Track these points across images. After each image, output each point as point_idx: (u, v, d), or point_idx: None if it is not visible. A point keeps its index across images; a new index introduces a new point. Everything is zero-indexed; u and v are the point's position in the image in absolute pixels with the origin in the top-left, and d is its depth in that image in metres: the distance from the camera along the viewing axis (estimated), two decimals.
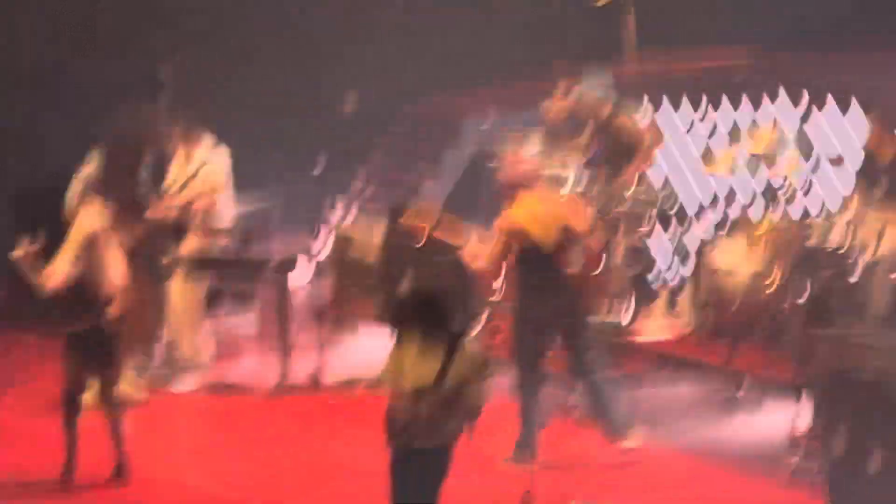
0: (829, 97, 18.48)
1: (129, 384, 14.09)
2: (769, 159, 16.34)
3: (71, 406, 13.34)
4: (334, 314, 16.66)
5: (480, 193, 17.86)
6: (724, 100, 18.83)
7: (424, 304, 10.89)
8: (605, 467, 13.70)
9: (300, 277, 17.47)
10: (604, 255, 15.48)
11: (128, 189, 15.75)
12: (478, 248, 13.65)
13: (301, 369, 16.15)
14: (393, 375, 10.64)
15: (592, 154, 16.81)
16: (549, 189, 14.40)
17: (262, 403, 15.73)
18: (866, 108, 17.54)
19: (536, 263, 13.21)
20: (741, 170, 17.30)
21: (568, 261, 13.49)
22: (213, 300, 16.84)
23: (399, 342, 10.71)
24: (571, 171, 16.37)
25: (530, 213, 13.36)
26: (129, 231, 14.22)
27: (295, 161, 19.17)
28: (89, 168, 14.75)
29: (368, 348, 15.59)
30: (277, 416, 15.42)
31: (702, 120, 18.90)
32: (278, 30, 22.45)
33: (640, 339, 16.23)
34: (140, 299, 13.95)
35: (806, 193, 17.06)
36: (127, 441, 13.63)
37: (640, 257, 17.00)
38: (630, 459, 13.78)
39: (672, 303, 16.95)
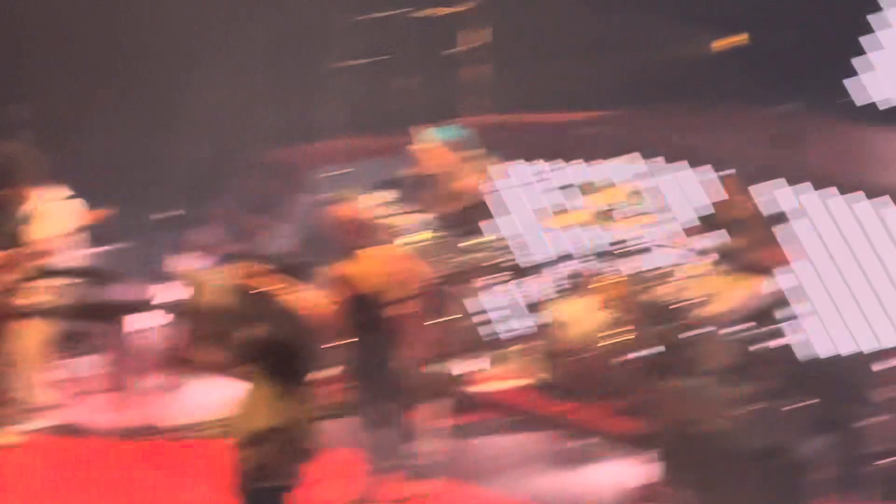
0: (678, 155, 18.60)
1: None
2: (617, 215, 16.56)
3: None
4: (182, 358, 16.52)
5: (325, 241, 16.99)
6: (576, 155, 18.84)
7: (265, 351, 10.93)
8: None
9: (148, 321, 17.10)
10: (440, 307, 15.66)
11: None
12: (316, 296, 13.75)
13: (147, 413, 15.87)
14: (238, 419, 10.75)
15: (440, 206, 16.98)
16: (387, 240, 14.37)
17: (106, 446, 15.40)
18: (716, 167, 17.77)
19: (365, 313, 13.35)
20: (589, 225, 17.11)
21: (397, 311, 13.68)
22: (60, 342, 16.70)
23: (245, 387, 10.75)
24: (416, 222, 16.35)
25: (363, 264, 13.51)
26: None
27: (146, 206, 19.27)
28: None
29: (215, 393, 15.62)
30: (122, 459, 15.15)
31: (551, 174, 18.89)
32: (130, 71, 22.10)
33: (480, 389, 16.08)
34: None
35: (649, 250, 16.81)
36: None
37: (480, 309, 16.92)
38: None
39: (515, 354, 16.82)
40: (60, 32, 22.08)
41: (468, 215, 16.80)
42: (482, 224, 17.12)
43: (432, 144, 17.01)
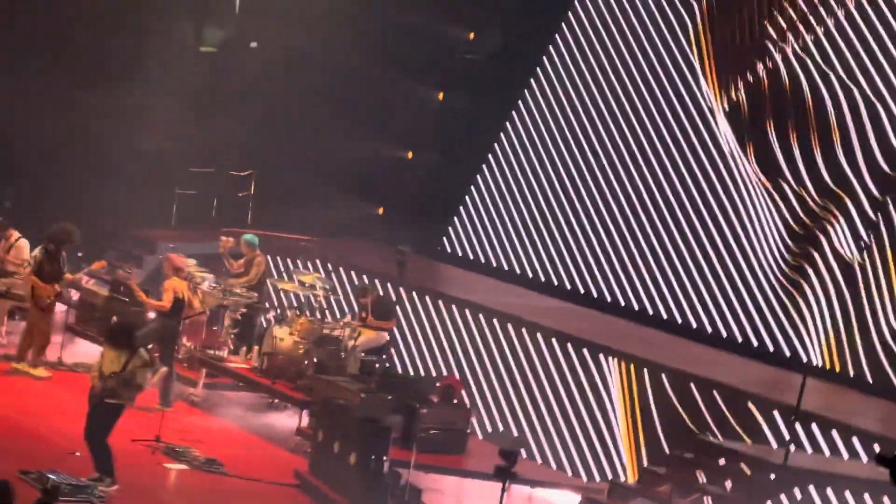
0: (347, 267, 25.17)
1: None
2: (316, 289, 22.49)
3: None
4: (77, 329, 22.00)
5: (160, 274, 22.25)
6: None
7: (118, 329, 17.38)
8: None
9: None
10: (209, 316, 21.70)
11: None
12: (152, 300, 20.59)
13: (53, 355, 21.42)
14: (99, 363, 16.79)
15: (234, 268, 22.92)
16: (188, 277, 21.12)
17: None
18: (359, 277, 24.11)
19: (176, 305, 20.07)
20: (297, 290, 23.15)
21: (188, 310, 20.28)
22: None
23: (105, 348, 17.02)
24: (208, 274, 22.49)
25: (177, 283, 20.34)
26: None
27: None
28: None
29: (93, 349, 20.62)
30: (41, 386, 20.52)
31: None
32: None
33: (231, 365, 21.68)
34: None
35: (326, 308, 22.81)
36: None
37: (245, 324, 22.39)
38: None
39: (251, 348, 21.99)
40: None
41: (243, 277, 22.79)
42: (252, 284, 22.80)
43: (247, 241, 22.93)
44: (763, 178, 24.18)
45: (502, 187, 27.77)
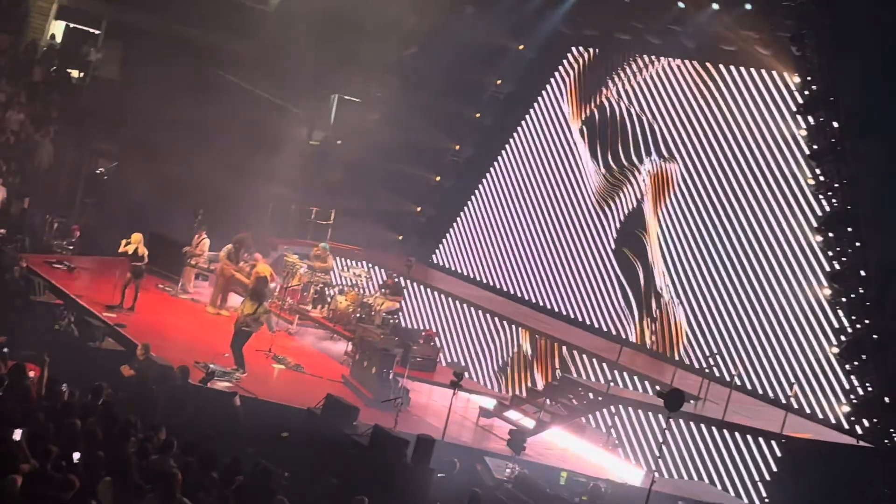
0: (374, 259, 23.85)
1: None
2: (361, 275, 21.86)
3: None
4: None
5: (280, 262, 21.83)
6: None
7: (256, 293, 17.12)
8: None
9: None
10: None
11: None
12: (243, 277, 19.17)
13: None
14: (242, 307, 17.02)
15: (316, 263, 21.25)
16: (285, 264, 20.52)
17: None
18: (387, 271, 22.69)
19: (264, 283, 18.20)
20: (350, 276, 22.49)
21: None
22: None
23: (246, 300, 17.07)
24: (304, 263, 21.04)
25: (264, 269, 19.22)
26: None
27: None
28: None
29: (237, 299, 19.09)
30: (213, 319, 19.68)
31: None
32: None
33: (312, 314, 20.79)
34: None
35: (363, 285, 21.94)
36: None
37: (320, 293, 21.11)
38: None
39: (324, 306, 20.90)
40: None
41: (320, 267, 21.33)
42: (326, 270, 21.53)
43: (322, 246, 21.70)
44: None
45: (468, 230, 27.28)
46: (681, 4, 21.04)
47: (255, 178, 23.45)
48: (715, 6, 20.37)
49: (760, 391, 19.55)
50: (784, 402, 18.02)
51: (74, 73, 24.83)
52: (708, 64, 21.90)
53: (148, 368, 14.55)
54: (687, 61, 22.38)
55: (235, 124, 23.72)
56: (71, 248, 21.38)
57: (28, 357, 13.05)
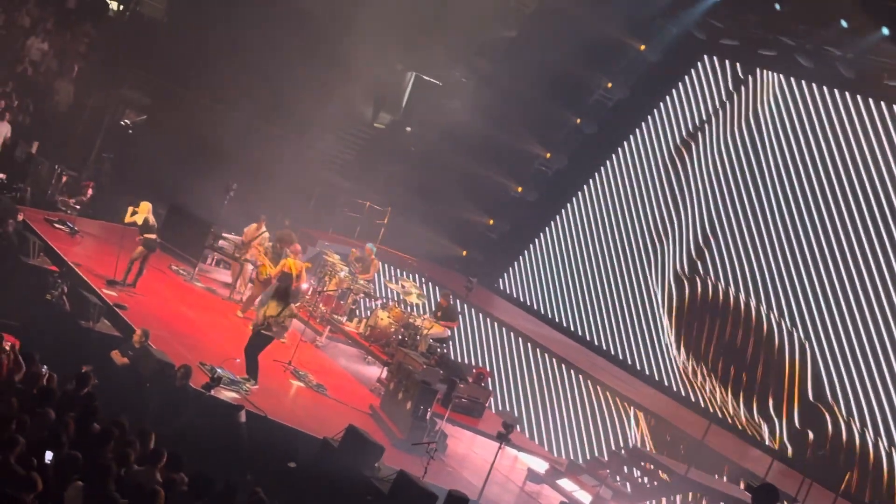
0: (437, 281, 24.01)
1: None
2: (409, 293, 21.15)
3: None
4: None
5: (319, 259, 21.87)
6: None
7: (281, 292, 16.76)
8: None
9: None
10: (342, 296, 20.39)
11: None
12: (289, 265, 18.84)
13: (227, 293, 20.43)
14: (265, 308, 16.56)
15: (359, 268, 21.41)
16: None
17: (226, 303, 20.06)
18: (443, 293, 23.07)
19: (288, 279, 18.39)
20: (397, 292, 21.41)
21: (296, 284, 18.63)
22: None
23: (270, 299, 16.72)
24: (345, 266, 21.02)
25: (292, 263, 18.96)
26: None
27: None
28: None
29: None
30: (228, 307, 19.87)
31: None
32: None
33: (346, 327, 20.61)
34: None
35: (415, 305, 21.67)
36: None
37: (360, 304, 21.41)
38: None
39: (361, 320, 21.05)
40: None
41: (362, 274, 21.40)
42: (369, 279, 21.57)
43: (369, 248, 21.83)
44: None
45: (546, 256, 27.41)
46: (843, 23, 20.87)
47: (301, 156, 23.74)
48: (885, 31, 20.30)
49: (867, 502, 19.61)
50: None
51: (113, 5, 25.01)
52: (866, 98, 22.01)
53: (144, 360, 14.62)
54: (837, 91, 22.30)
55: (289, 91, 23.81)
56: (78, 207, 21.55)
57: (7, 327, 13.25)
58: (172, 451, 10.90)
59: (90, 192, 21.76)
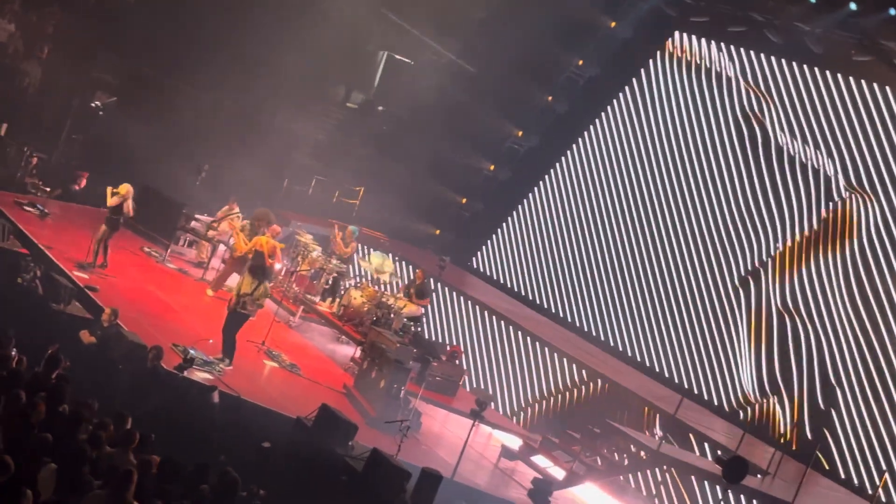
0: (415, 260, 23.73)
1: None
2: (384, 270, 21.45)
3: None
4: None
5: (292, 239, 21.43)
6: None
7: (254, 269, 17.11)
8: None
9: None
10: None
11: None
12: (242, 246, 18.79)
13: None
14: (239, 285, 16.56)
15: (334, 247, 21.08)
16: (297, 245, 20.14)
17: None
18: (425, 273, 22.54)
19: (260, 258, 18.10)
20: (372, 269, 21.58)
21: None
22: None
23: (244, 276, 16.72)
24: (318, 246, 20.85)
25: (264, 242, 18.50)
26: None
27: None
28: None
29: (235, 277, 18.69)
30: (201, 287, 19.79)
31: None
32: None
33: (319, 307, 20.58)
34: None
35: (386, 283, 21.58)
36: None
37: (334, 283, 20.88)
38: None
39: (334, 300, 20.84)
40: None
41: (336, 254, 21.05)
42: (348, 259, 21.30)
43: (351, 230, 21.42)
44: None
45: (518, 234, 27.33)
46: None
47: (273, 137, 23.61)
48: (853, 6, 20.45)
49: (843, 475, 19.65)
50: (871, 492, 18.15)
51: None
52: (834, 73, 22.12)
53: (114, 340, 14.54)
54: (806, 66, 22.35)
55: (260, 72, 23.69)
56: (48, 190, 21.38)
57: None
58: (143, 434, 10.91)
59: (85, 182, 21.85)
